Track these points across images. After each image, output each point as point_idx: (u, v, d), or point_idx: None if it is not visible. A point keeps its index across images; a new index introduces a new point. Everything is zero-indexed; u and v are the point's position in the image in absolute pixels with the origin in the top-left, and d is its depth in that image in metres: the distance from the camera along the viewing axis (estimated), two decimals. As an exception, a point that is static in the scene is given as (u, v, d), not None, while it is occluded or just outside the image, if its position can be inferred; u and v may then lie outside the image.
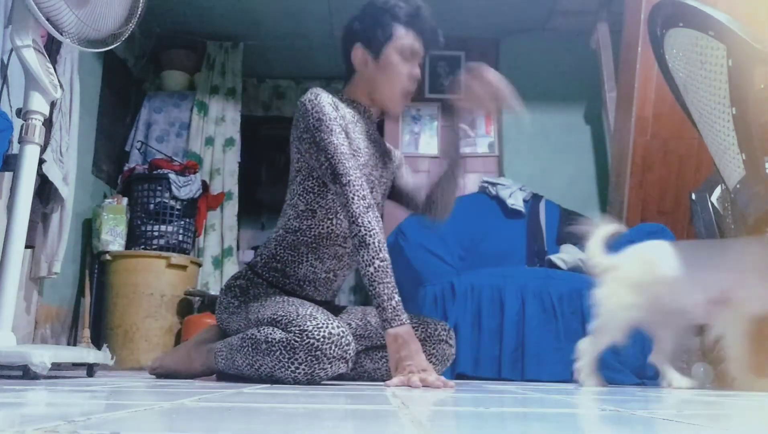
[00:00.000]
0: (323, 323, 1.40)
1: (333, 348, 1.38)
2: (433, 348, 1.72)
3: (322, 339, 1.38)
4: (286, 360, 1.39)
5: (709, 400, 1.21)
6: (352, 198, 1.46)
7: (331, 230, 1.63)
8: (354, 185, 1.47)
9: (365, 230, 1.43)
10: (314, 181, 1.60)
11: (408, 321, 1.41)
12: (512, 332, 2.44)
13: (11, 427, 0.51)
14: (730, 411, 0.96)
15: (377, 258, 1.42)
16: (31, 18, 1.57)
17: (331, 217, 1.62)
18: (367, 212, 1.45)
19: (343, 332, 1.41)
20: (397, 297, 1.42)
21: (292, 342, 1.39)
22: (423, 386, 1.32)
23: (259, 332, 1.47)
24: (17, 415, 0.66)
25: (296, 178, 1.63)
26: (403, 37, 1.62)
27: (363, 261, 1.42)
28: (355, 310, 1.79)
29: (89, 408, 0.74)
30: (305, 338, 1.38)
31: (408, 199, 1.85)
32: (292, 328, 1.41)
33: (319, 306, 1.53)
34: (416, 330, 1.69)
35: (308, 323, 1.40)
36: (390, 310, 1.40)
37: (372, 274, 1.41)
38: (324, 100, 1.54)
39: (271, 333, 1.44)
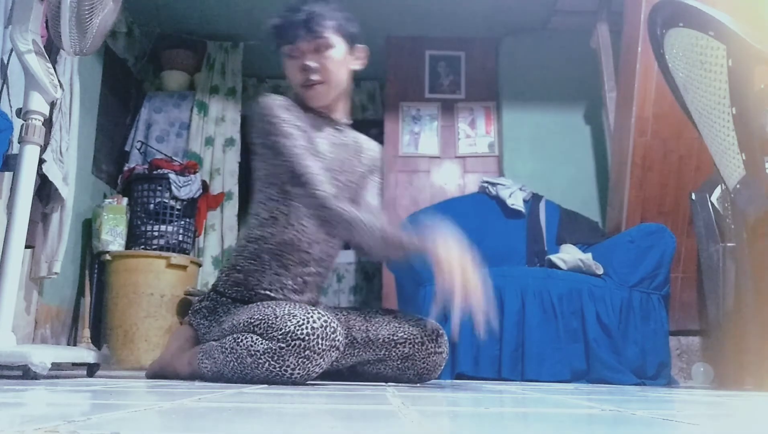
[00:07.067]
0: (303, 319, 1.36)
1: (320, 341, 1.35)
2: (423, 361, 1.66)
3: (306, 337, 1.34)
4: (278, 369, 1.36)
5: (709, 400, 1.21)
6: (314, 192, 1.45)
7: (295, 236, 1.60)
8: (314, 180, 1.46)
9: (343, 212, 1.43)
10: (275, 188, 1.58)
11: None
12: (512, 332, 2.44)
13: (11, 427, 0.51)
14: (730, 411, 0.96)
15: (374, 222, 1.42)
16: (31, 19, 1.57)
17: (293, 223, 1.59)
18: (335, 199, 1.45)
19: (325, 321, 1.37)
20: (412, 232, 1.42)
21: (279, 349, 1.35)
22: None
23: (238, 344, 1.41)
24: (17, 415, 0.66)
25: (258, 186, 1.64)
26: (284, 50, 1.61)
27: (365, 236, 1.41)
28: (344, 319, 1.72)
29: (89, 408, 0.74)
30: (290, 340, 1.34)
31: None
32: (274, 334, 1.36)
33: (295, 302, 1.49)
34: (403, 346, 1.64)
35: (288, 323, 1.35)
36: (420, 238, 1.40)
37: (384, 238, 1.41)
38: (273, 103, 1.55)
39: (252, 345, 1.38)
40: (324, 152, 1.60)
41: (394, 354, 1.65)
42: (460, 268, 1.35)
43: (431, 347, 1.67)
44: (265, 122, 1.53)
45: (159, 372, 1.72)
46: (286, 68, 1.63)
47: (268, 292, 1.61)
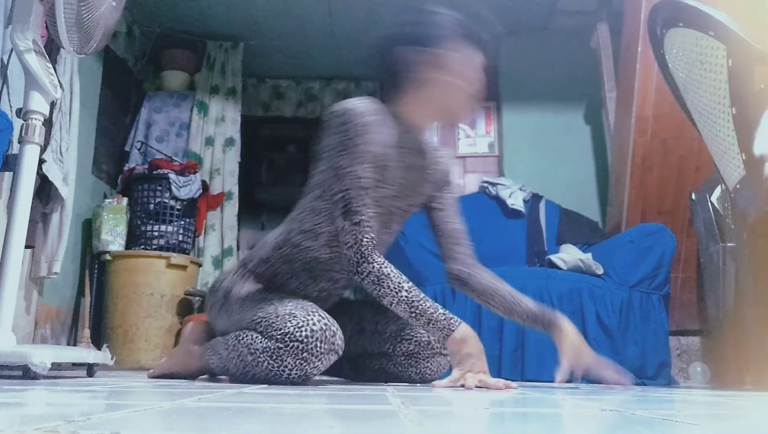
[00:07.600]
0: (303, 321, 1.35)
1: (319, 344, 1.34)
2: (427, 361, 1.66)
3: (305, 339, 1.33)
4: (276, 368, 1.36)
5: (709, 400, 1.21)
6: (362, 239, 1.40)
7: (330, 257, 1.56)
8: (365, 226, 1.41)
9: (377, 266, 1.39)
10: (325, 203, 1.51)
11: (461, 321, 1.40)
12: (512, 332, 2.43)
13: (11, 427, 0.51)
14: (730, 411, 0.96)
15: (401, 282, 1.38)
16: (31, 19, 1.57)
17: (333, 245, 1.54)
18: (374, 250, 1.41)
19: (325, 325, 1.36)
20: (439, 306, 1.40)
21: (277, 349, 1.35)
22: (479, 387, 1.31)
23: (239, 342, 1.43)
24: (17, 415, 0.66)
25: (308, 190, 1.56)
26: (466, 52, 1.58)
27: (389, 293, 1.38)
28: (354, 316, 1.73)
29: (89, 408, 0.74)
30: (288, 341, 1.34)
31: (440, 244, 1.68)
32: (273, 333, 1.36)
33: (300, 300, 1.48)
34: (409, 343, 1.65)
35: (288, 324, 1.35)
36: (443, 318, 1.37)
37: (406, 298, 1.37)
38: (360, 119, 1.42)
39: (252, 343, 1.39)
40: (394, 177, 1.52)
41: (398, 350, 1.66)
42: (474, 370, 1.37)
43: (437, 347, 1.67)
44: (343, 140, 1.42)
45: (167, 371, 1.73)
46: (458, 68, 1.51)
47: (288, 295, 1.58)
